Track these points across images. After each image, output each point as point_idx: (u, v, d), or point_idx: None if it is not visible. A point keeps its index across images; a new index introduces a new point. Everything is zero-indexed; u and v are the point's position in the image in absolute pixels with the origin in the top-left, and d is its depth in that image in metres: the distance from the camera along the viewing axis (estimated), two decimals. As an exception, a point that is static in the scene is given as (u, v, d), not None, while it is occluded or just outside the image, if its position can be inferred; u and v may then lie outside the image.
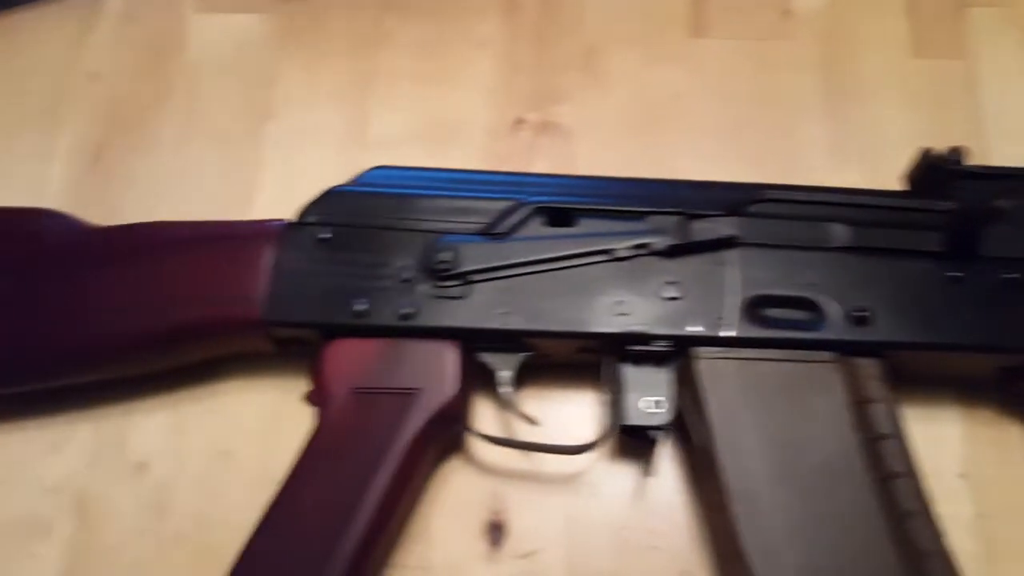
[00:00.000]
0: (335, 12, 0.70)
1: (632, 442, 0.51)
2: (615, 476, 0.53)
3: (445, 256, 0.49)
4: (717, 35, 0.66)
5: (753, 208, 0.51)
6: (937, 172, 0.51)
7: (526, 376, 0.52)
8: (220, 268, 0.51)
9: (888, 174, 0.55)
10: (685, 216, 0.50)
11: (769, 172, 0.60)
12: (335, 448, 0.48)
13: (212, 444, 0.55)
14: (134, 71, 0.68)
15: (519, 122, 0.64)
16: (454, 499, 0.53)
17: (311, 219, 0.52)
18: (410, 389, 0.49)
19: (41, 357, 0.51)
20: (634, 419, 0.48)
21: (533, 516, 0.52)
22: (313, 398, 0.50)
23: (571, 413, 0.54)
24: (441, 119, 0.65)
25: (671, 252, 0.50)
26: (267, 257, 0.51)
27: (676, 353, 0.49)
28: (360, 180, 0.54)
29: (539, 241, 0.50)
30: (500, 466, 0.54)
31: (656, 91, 0.65)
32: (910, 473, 0.46)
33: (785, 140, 0.63)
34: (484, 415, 0.54)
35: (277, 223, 0.52)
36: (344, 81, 0.67)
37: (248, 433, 0.55)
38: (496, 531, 0.52)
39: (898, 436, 0.47)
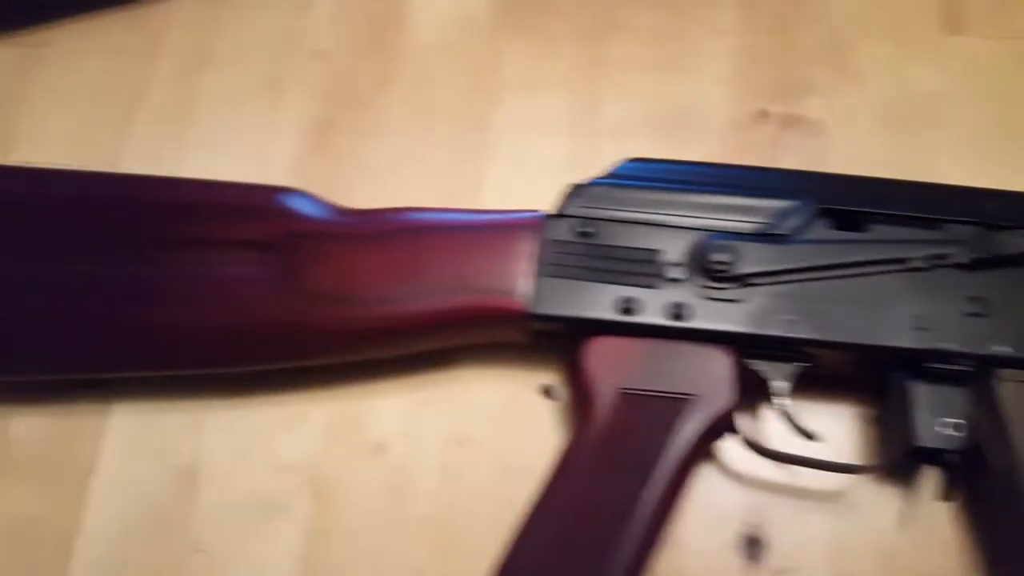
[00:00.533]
0: (562, -2, 0.68)
1: (913, 465, 0.48)
2: (882, 498, 0.51)
3: (722, 256, 0.47)
4: (974, 33, 0.63)
5: None
6: None
7: (798, 386, 0.50)
8: (483, 258, 0.50)
9: None
10: (985, 227, 0.47)
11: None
12: (605, 449, 0.46)
13: (450, 430, 0.54)
14: (356, 49, 0.67)
15: (763, 114, 0.62)
16: (709, 508, 0.51)
17: (572, 211, 0.50)
18: (685, 395, 0.47)
19: (300, 336, 0.50)
20: (929, 441, 0.46)
21: (793, 533, 0.50)
22: (571, 395, 0.49)
23: (841, 428, 0.52)
24: (676, 109, 0.63)
25: (973, 265, 0.47)
26: (529, 249, 0.49)
27: (975, 373, 0.45)
28: (616, 172, 0.52)
29: (825, 245, 0.48)
30: (756, 477, 0.52)
31: (913, 89, 0.62)
32: None
33: None
34: (755, 425, 0.52)
35: (538, 214, 0.51)
36: (573, 67, 0.65)
37: (486, 421, 0.54)
38: (754, 545, 0.50)
39: None
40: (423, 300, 0.50)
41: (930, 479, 0.50)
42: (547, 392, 0.54)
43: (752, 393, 0.49)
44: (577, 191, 0.51)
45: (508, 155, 0.63)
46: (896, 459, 0.47)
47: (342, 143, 0.64)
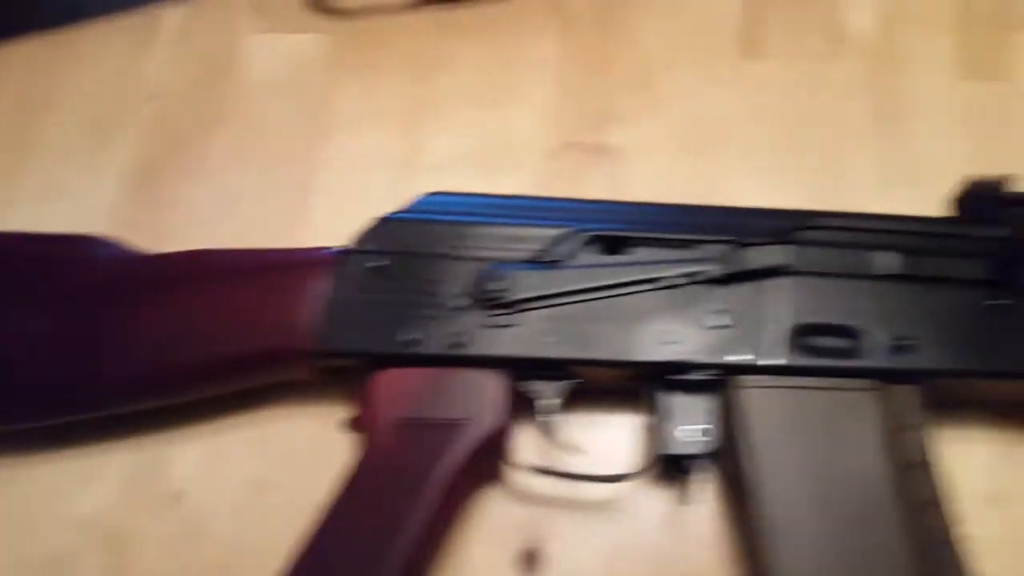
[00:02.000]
0: (393, 33, 0.72)
1: (672, 470, 0.52)
2: (655, 503, 0.55)
3: (497, 284, 0.51)
4: (770, 57, 0.68)
5: (801, 236, 0.52)
6: (983, 199, 0.52)
7: (571, 401, 0.54)
8: (271, 297, 0.53)
9: (935, 199, 0.56)
10: (735, 244, 0.51)
11: (819, 195, 0.63)
12: (378, 479, 0.50)
13: (249, 473, 0.56)
14: (189, 91, 0.71)
15: (573, 144, 0.66)
16: (490, 527, 0.54)
17: (364, 247, 0.54)
18: (456, 420, 0.51)
19: (91, 387, 0.53)
20: (674, 448, 0.50)
21: (571, 544, 0.54)
22: (358, 427, 0.52)
23: (615, 438, 0.56)
24: (497, 142, 0.67)
25: (720, 280, 0.51)
26: (320, 286, 0.53)
27: (720, 382, 0.50)
28: (415, 207, 0.56)
29: (591, 269, 0.52)
30: (538, 494, 0.55)
31: (710, 113, 0.66)
32: (940, 501, 0.48)
33: (835, 163, 0.64)
34: (526, 442, 0.56)
35: (330, 251, 0.54)
36: (400, 103, 0.69)
37: (287, 462, 0.56)
38: (532, 559, 0.54)
39: (930, 464, 0.48)
40: (213, 344, 0.52)
41: (695, 481, 0.54)
42: (350, 426, 0.57)
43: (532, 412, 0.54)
44: (373, 227, 0.55)
45: (334, 192, 0.66)
46: (649, 466, 0.52)
47: (169, 186, 0.67)
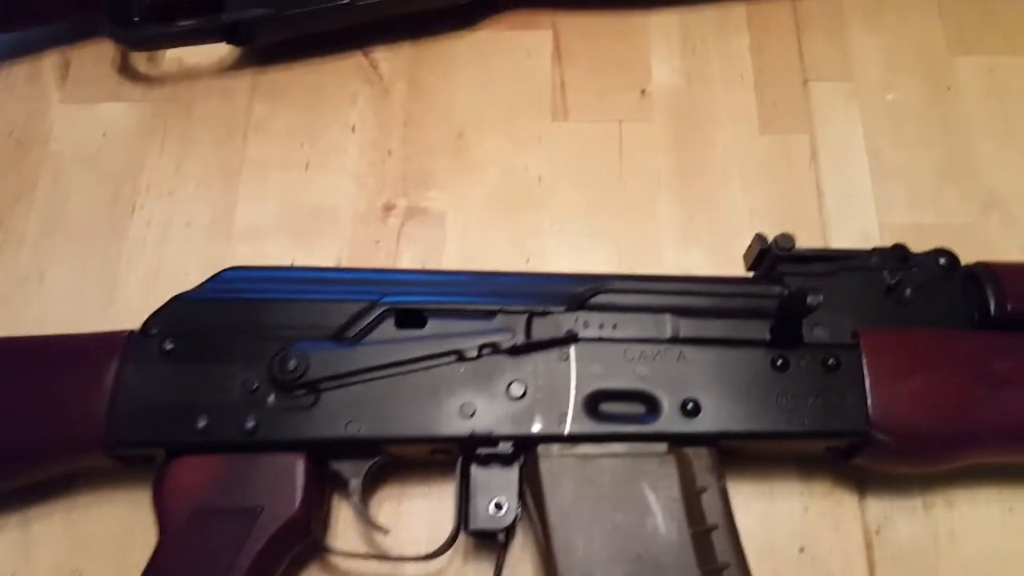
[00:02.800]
0: (204, 99, 0.71)
1: (489, 542, 0.53)
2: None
3: (293, 365, 0.51)
4: (579, 118, 0.69)
5: (593, 301, 0.53)
6: (768, 257, 0.54)
7: (387, 474, 0.55)
8: (59, 387, 0.52)
9: (733, 254, 0.58)
10: (530, 314, 0.52)
11: (626, 253, 0.65)
12: (171, 572, 0.49)
13: (62, 563, 0.55)
14: (-5, 165, 0.68)
15: (388, 208, 0.67)
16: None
17: (154, 330, 0.53)
18: (251, 508, 0.50)
19: None
20: (479, 523, 0.51)
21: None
22: (156, 512, 0.51)
23: (433, 509, 0.56)
24: (310, 207, 0.67)
25: (515, 351, 0.52)
26: (109, 373, 0.52)
27: (521, 453, 0.51)
28: (210, 284, 0.55)
29: (389, 345, 0.52)
30: (357, 573, 0.55)
31: (521, 175, 0.68)
32: (738, 564, 0.49)
33: (640, 221, 0.66)
34: (344, 520, 0.56)
35: (120, 335, 0.53)
36: (212, 170, 0.69)
37: (99, 551, 0.55)
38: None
39: (728, 525, 0.50)
40: (2, 437, 0.51)
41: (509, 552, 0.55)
42: None
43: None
44: (165, 308, 0.54)
45: (145, 266, 0.65)
46: (450, 542, 0.52)
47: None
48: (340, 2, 0.67)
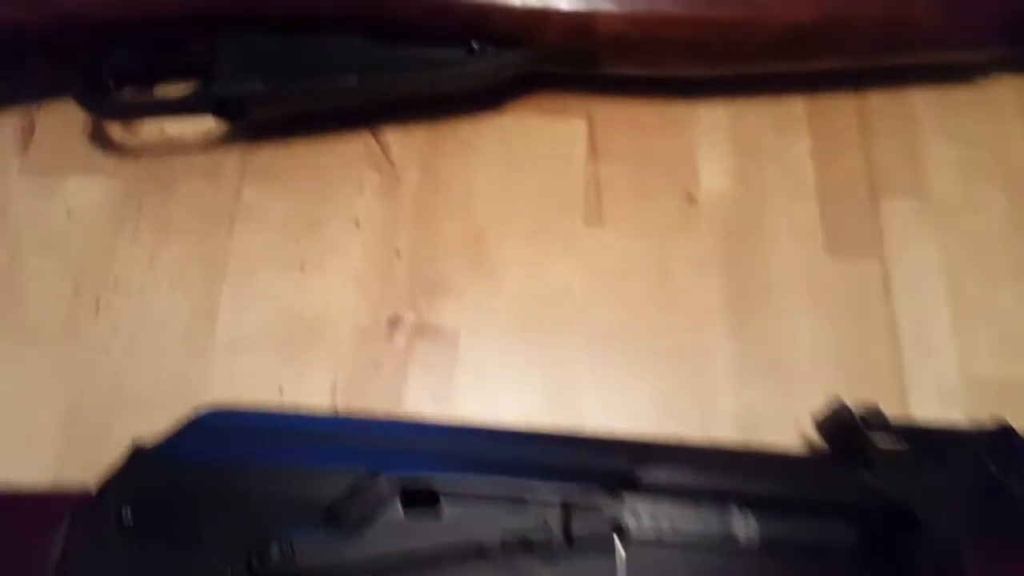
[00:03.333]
0: (187, 178, 0.62)
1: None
2: None
3: (276, 554, 0.42)
4: (615, 225, 0.61)
5: (642, 478, 0.44)
6: (850, 430, 0.46)
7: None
8: None
9: (799, 397, 0.53)
10: (567, 505, 0.44)
11: (670, 389, 0.56)
12: None
13: None
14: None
15: (394, 323, 0.58)
16: None
17: (109, 494, 0.44)
18: None
19: None
20: None
21: None
22: None
23: None
24: (303, 318, 0.58)
25: (550, 553, 0.43)
26: (53, 546, 0.42)
27: None
28: (182, 435, 0.46)
29: (394, 533, 0.43)
30: None
31: (548, 287, 0.59)
32: None
33: (686, 351, 0.58)
34: None
35: (69, 500, 0.44)
36: (191, 265, 0.60)
37: None
38: None
39: None
40: None
41: None
42: None
43: None
44: (123, 464, 0.45)
45: (104, 381, 0.56)
46: None
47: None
48: (348, 83, 0.57)
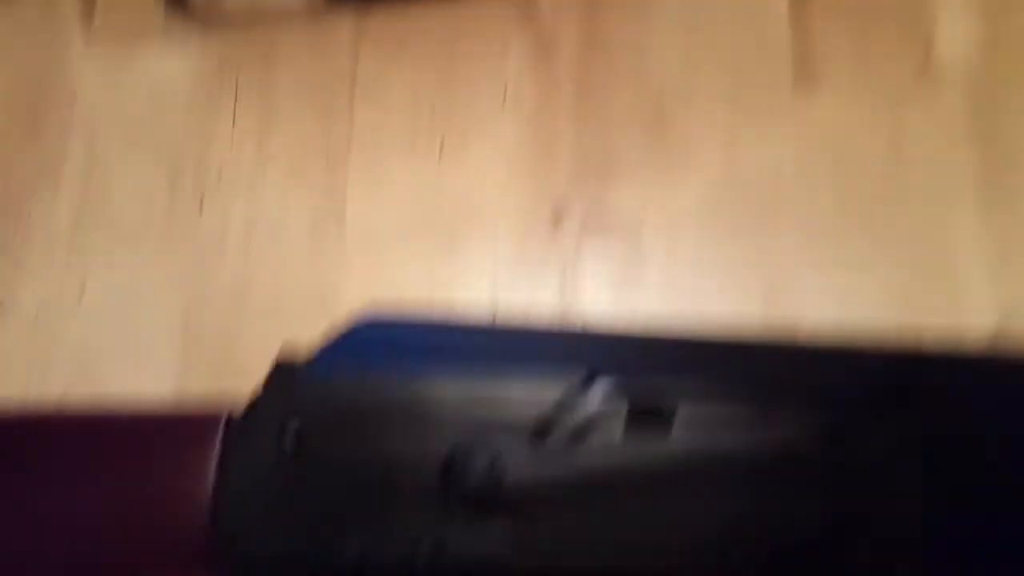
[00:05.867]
0: (290, 51, 0.56)
1: None
2: None
3: (480, 473, 0.38)
4: (831, 93, 0.54)
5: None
6: None
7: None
8: (135, 492, 0.39)
9: None
10: (832, 425, 0.38)
11: (910, 280, 0.50)
12: None
13: None
14: (4, 133, 0.54)
15: (559, 213, 0.52)
16: None
17: (267, 414, 0.39)
18: None
19: None
20: None
21: None
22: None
23: None
24: (446, 211, 0.53)
25: (820, 468, 0.38)
26: (203, 475, 0.38)
27: None
28: (338, 344, 0.41)
29: (617, 452, 0.38)
30: None
31: (752, 169, 0.53)
32: None
33: (928, 239, 0.51)
34: None
35: (218, 418, 0.40)
36: (304, 152, 0.54)
37: None
38: None
39: None
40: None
41: None
42: None
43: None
44: (277, 381, 0.40)
45: (220, 284, 0.52)
46: None
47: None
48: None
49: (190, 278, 0.50)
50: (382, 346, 0.41)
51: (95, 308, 0.50)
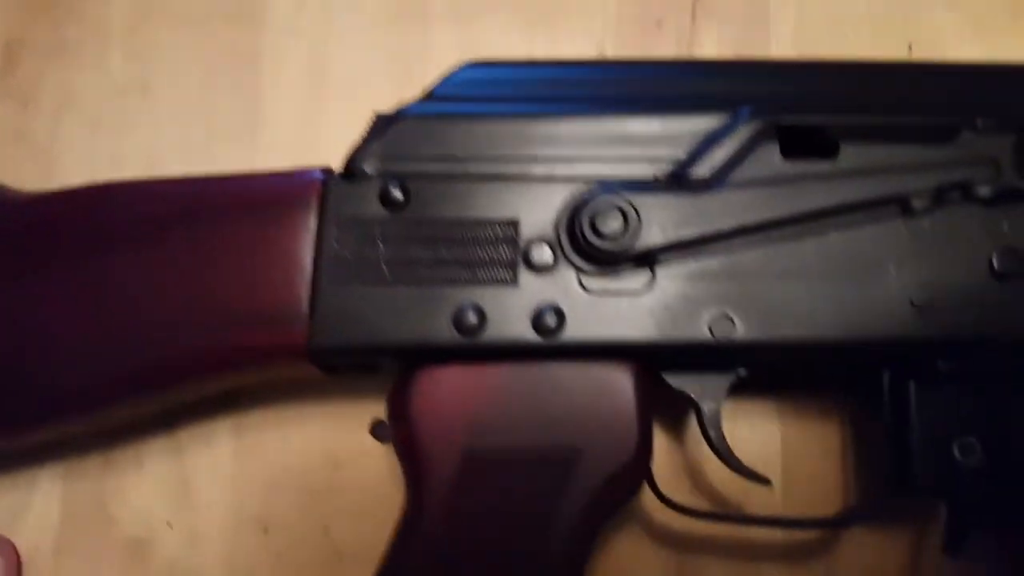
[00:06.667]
0: None
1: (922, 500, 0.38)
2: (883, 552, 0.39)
3: (611, 222, 0.34)
4: None
5: None
6: None
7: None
8: (227, 264, 0.36)
9: None
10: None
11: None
12: (453, 544, 0.36)
13: (240, 507, 0.43)
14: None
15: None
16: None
17: (370, 167, 0.36)
18: (563, 450, 0.35)
19: None
20: (926, 476, 0.36)
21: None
22: (399, 452, 0.37)
23: (807, 443, 0.41)
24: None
25: (1002, 198, 0.35)
26: (303, 237, 0.36)
27: (1015, 370, 0.34)
28: (442, 90, 0.38)
29: (771, 189, 0.35)
30: (697, 536, 0.41)
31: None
32: None
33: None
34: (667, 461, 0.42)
35: (315, 175, 0.37)
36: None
37: (295, 497, 0.42)
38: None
39: None
40: (150, 345, 0.37)
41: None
42: (376, 431, 0.43)
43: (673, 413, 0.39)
44: (380, 129, 0.37)
45: (297, 66, 0.49)
46: (881, 504, 0.38)
47: (39, 71, 0.48)
48: None
49: (260, 63, 0.47)
50: (489, 85, 0.37)
51: (162, 105, 0.48)
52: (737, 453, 0.38)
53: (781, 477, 0.42)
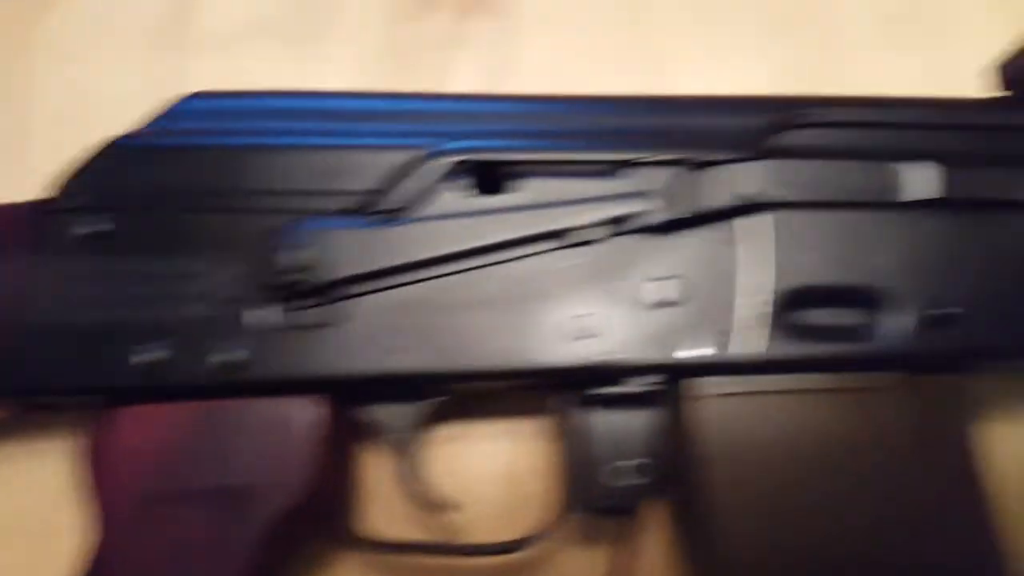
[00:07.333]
0: None
1: (603, 513, 0.40)
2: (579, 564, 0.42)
3: (299, 257, 0.37)
4: None
5: (786, 141, 0.38)
6: None
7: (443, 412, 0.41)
8: None
9: (962, 60, 0.45)
10: (684, 165, 0.38)
11: (797, 65, 0.50)
12: None
13: None
14: None
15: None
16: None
17: (78, 199, 0.38)
18: (237, 489, 0.37)
19: None
20: (598, 498, 0.39)
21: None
22: (83, 493, 0.38)
23: (510, 462, 0.44)
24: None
25: (662, 228, 0.38)
26: (5, 273, 0.37)
27: (665, 391, 0.38)
28: (164, 121, 0.39)
29: (455, 221, 0.37)
30: (400, 566, 0.43)
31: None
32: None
33: (817, 16, 0.51)
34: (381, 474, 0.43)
35: (20, 210, 0.38)
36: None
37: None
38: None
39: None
40: None
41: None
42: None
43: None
44: (91, 163, 0.38)
45: (58, 86, 0.51)
46: (560, 525, 0.40)
47: None
48: None
49: (26, 81, 0.50)
50: (211, 117, 0.39)
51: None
52: (463, 475, 0.41)
53: (506, 498, 0.43)
